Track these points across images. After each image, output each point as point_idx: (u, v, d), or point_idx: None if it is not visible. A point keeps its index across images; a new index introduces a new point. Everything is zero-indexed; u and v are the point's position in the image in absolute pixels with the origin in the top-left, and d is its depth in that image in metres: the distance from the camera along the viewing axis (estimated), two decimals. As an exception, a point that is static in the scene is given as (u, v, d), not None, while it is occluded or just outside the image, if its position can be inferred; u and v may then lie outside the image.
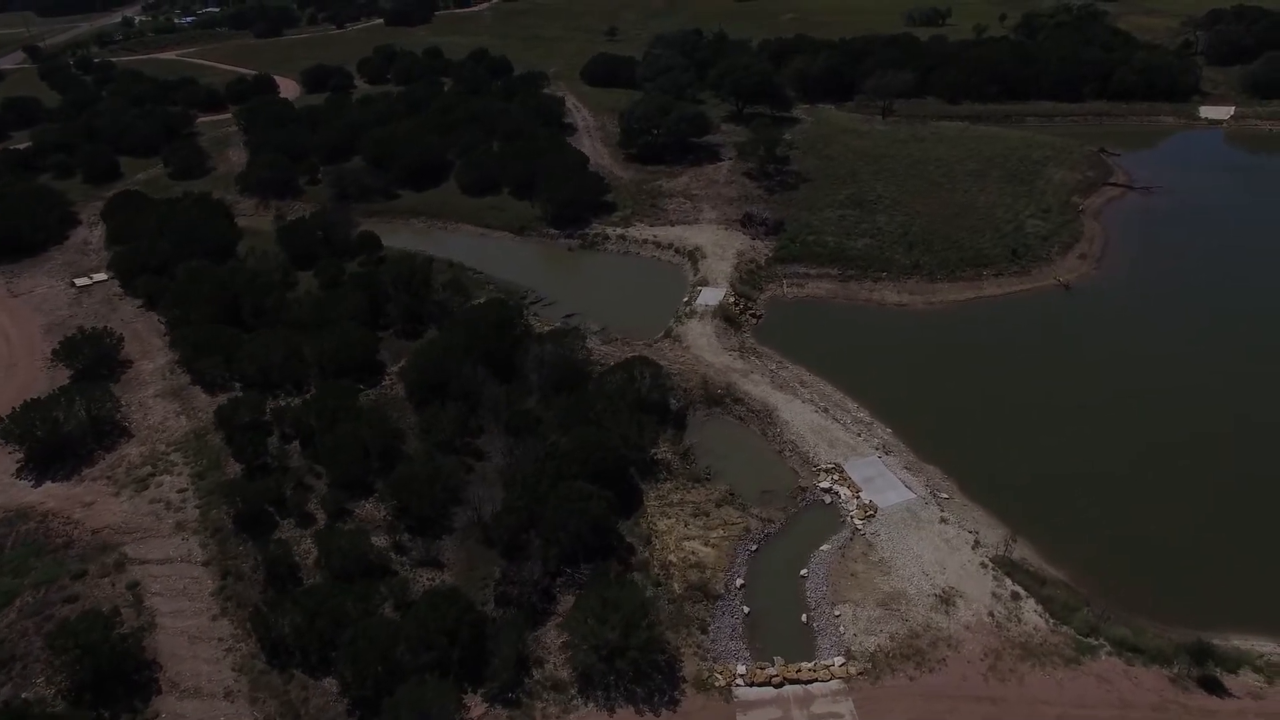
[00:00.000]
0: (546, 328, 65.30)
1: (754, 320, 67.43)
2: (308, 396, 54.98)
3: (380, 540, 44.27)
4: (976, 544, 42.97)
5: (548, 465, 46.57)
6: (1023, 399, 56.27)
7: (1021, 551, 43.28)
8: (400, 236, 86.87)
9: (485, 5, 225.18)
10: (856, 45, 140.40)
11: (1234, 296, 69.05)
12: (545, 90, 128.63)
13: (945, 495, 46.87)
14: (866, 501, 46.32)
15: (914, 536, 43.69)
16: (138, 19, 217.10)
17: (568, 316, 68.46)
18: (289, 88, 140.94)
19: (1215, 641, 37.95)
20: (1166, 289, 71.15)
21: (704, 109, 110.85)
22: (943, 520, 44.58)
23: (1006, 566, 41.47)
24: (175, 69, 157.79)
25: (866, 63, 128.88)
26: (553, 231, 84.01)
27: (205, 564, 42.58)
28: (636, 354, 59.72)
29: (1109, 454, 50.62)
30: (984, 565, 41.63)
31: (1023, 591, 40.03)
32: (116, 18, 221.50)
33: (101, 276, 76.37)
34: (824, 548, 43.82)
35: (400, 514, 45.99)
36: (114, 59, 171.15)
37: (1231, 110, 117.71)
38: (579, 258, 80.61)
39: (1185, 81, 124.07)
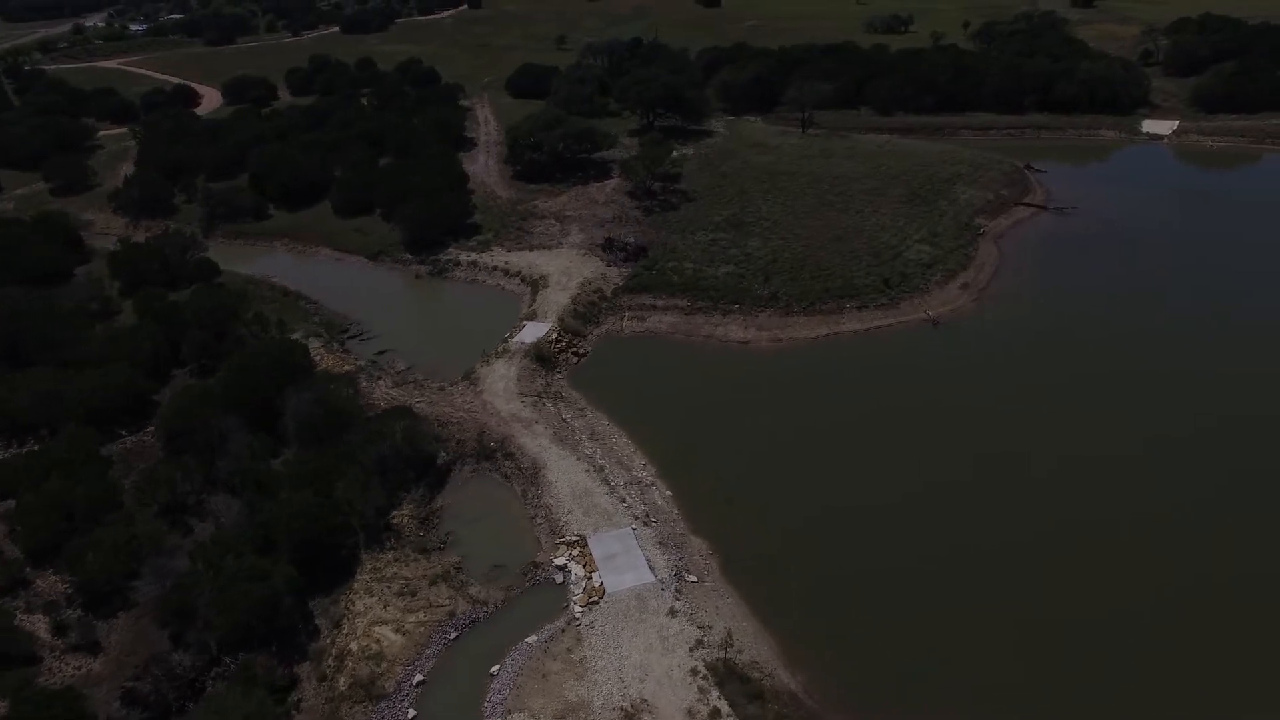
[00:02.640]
0: (345, 367, 60.83)
1: (575, 359, 62.13)
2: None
3: (38, 620, 39.67)
4: (699, 644, 37.33)
5: (244, 534, 41.83)
6: (840, 459, 50.31)
7: (760, 652, 37.51)
8: (256, 261, 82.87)
9: (450, 13, 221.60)
10: (795, 54, 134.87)
11: (1116, 338, 62.39)
12: (462, 102, 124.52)
13: (693, 579, 41.28)
14: (597, 584, 40.93)
15: (630, 631, 38.23)
16: (93, 25, 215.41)
17: (380, 353, 63.78)
18: (213, 98, 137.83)
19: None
20: (1044, 328, 64.70)
21: (609, 122, 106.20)
22: (671, 612, 39.02)
23: (722, 674, 35.79)
24: (109, 78, 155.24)
25: (799, 73, 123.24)
26: (407, 257, 79.26)
27: None
28: (420, 400, 54.89)
29: (922, 536, 44.00)
30: (695, 672, 35.96)
31: (726, 709, 34.33)
32: (88, 23, 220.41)
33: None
34: (530, 639, 38.51)
35: (81, 587, 41.40)
36: (53, 66, 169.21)
37: (1175, 125, 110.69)
38: (425, 286, 75.73)
39: (1131, 94, 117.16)
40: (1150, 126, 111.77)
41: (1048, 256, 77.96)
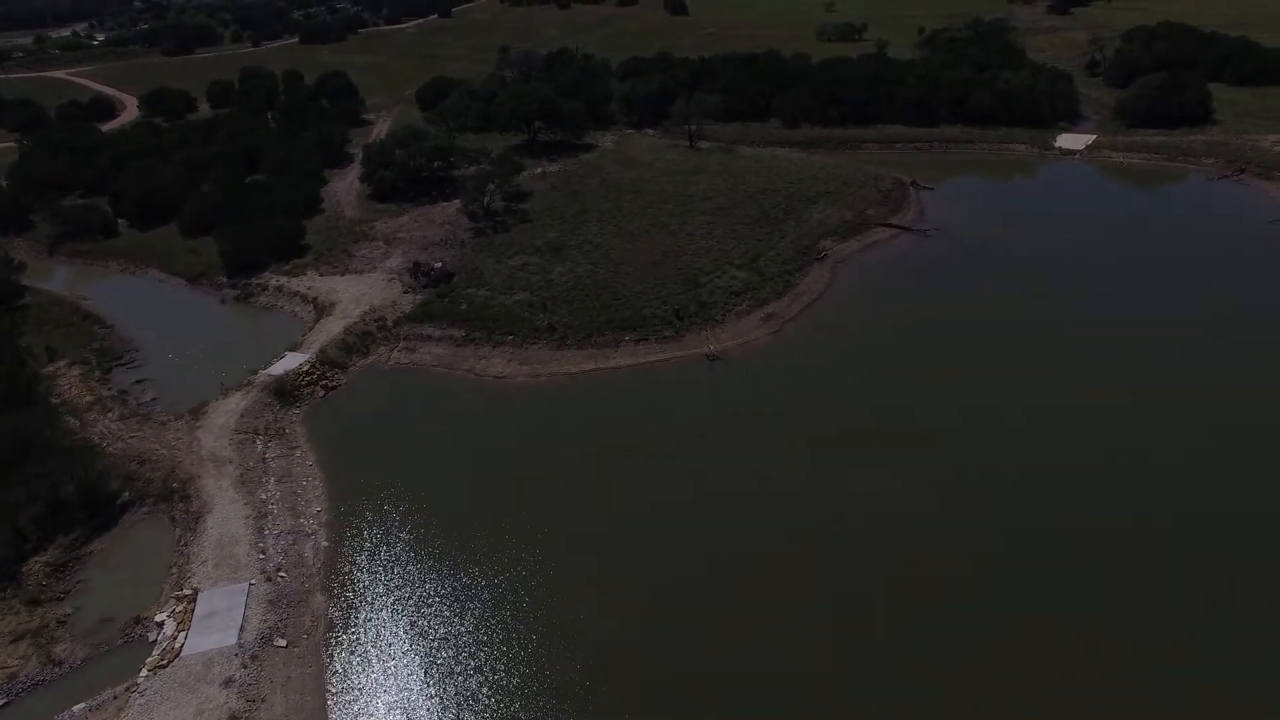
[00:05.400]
0: (86, 398, 59.70)
1: (322, 393, 59.97)
2: None
3: None
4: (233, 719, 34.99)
5: None
6: (549, 508, 46.87)
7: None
8: (87, 282, 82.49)
9: (416, 22, 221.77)
10: (712, 63, 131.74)
11: (913, 374, 58.15)
12: (366, 116, 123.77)
13: (282, 643, 38.82)
14: (178, 645, 38.74)
15: (174, 701, 35.87)
16: (69, 35, 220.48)
17: (136, 383, 62.60)
18: (135, 110, 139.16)
19: None
20: (836, 365, 60.19)
21: (494, 138, 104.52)
22: (227, 681, 36.60)
23: (237, 754, 33.43)
24: (50, 88, 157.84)
25: (705, 85, 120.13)
26: (223, 280, 78.01)
27: None
28: (134, 435, 53.33)
29: (610, 592, 40.83)
30: (211, 753, 33.69)
31: (216, 796, 31.98)
32: (65, 32, 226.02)
33: None
34: (78, 707, 36.38)
35: None
36: (3, 76, 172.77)
37: (1089, 140, 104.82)
38: (227, 311, 74.22)
39: (1053, 106, 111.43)
40: (1065, 141, 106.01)
41: (885, 283, 73.56)
